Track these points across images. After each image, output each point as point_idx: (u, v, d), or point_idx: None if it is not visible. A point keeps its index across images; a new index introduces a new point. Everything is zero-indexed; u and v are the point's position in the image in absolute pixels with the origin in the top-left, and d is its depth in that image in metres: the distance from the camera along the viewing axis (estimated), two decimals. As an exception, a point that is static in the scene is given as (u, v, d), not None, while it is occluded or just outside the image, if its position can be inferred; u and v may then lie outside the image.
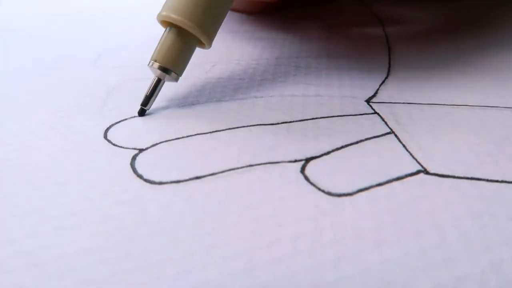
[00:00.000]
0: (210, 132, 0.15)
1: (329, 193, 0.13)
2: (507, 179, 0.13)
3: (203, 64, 0.20)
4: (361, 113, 0.17)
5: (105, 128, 0.16)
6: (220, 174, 0.13)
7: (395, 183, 0.13)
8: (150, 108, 0.17)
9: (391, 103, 0.17)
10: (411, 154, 0.14)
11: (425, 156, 0.14)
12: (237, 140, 0.15)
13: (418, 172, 0.14)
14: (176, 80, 0.17)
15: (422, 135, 0.15)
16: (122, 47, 0.23)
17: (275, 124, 0.16)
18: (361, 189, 0.13)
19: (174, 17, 0.15)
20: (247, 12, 0.28)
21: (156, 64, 0.16)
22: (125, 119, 0.16)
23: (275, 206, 0.12)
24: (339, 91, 0.18)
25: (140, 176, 0.13)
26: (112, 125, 0.16)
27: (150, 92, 0.16)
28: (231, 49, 0.22)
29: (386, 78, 0.19)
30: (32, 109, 0.17)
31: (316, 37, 0.24)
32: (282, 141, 0.15)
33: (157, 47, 0.16)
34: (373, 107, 0.17)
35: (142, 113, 0.16)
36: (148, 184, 0.13)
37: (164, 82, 0.16)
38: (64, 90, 0.18)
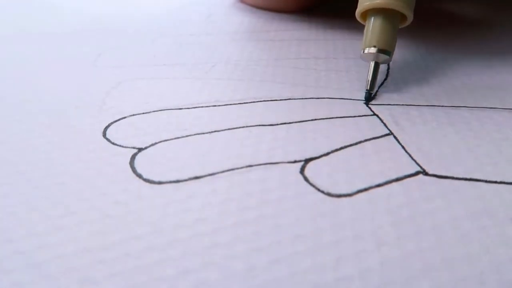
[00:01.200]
0: (210, 132, 0.15)
1: (329, 194, 0.13)
2: (506, 180, 0.13)
3: (202, 64, 0.20)
4: (360, 114, 0.17)
5: (104, 127, 0.16)
6: (220, 174, 0.13)
7: (394, 184, 0.13)
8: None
9: (390, 104, 0.17)
10: (410, 155, 0.14)
11: (424, 157, 0.14)
12: (236, 140, 0.15)
13: (417, 173, 0.14)
14: (389, 61, 0.18)
15: (421, 136, 0.15)
16: (121, 47, 0.23)
17: (275, 124, 0.16)
18: (360, 190, 0.13)
19: (381, 2, 0.17)
20: (282, 10, 0.28)
21: (374, 49, 0.17)
22: (124, 118, 0.16)
23: (275, 206, 0.12)
24: (338, 93, 0.18)
25: (139, 176, 0.13)
26: (111, 123, 0.16)
27: (372, 77, 0.18)
28: (230, 50, 0.22)
29: (385, 79, 0.19)
30: (31, 109, 0.17)
31: (315, 39, 0.24)
32: (282, 142, 0.15)
33: (367, 35, 0.18)
34: (372, 108, 0.17)
35: (369, 97, 0.17)
36: (147, 184, 0.13)
37: (380, 65, 0.18)
38: (63, 89, 0.18)
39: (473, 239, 0.11)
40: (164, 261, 0.11)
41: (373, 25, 0.18)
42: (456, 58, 0.21)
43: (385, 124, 0.16)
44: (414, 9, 0.18)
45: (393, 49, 0.18)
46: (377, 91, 0.18)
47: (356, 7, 0.18)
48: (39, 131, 0.16)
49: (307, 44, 0.23)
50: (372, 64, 0.18)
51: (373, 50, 0.17)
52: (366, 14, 0.18)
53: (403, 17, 0.18)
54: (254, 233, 0.11)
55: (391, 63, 0.21)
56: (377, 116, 0.17)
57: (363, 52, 0.18)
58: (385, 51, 0.17)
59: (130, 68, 0.20)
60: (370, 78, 0.18)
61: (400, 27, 0.18)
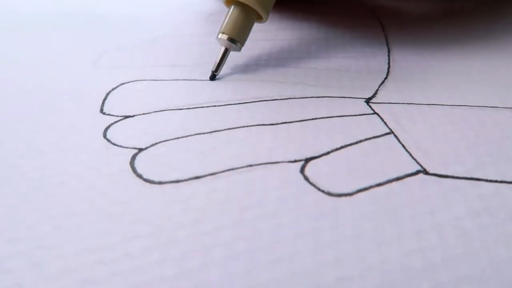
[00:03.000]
0: (210, 132, 0.15)
1: (329, 193, 0.13)
2: (507, 179, 0.13)
3: (202, 65, 0.20)
4: (361, 113, 0.17)
5: (105, 128, 0.16)
6: (220, 174, 0.13)
7: (394, 183, 0.13)
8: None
9: (390, 103, 0.17)
10: (410, 154, 0.14)
11: (425, 156, 0.14)
12: (237, 140, 0.15)
13: (417, 172, 0.14)
14: (239, 49, 0.19)
15: (422, 135, 0.15)
16: (122, 48, 0.23)
17: (275, 124, 0.16)
18: (360, 189, 0.13)
19: None
20: None
21: (225, 36, 0.19)
22: (124, 118, 0.16)
23: (275, 206, 0.12)
24: (339, 92, 0.18)
25: (139, 176, 0.13)
26: (112, 124, 0.16)
27: (220, 60, 0.19)
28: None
29: (385, 78, 0.19)
30: (32, 109, 0.17)
31: (315, 38, 0.24)
32: (282, 142, 0.15)
33: (223, 21, 0.19)
34: (373, 107, 0.17)
35: (213, 77, 0.19)
36: (147, 184, 0.13)
37: (230, 51, 0.19)
38: (64, 90, 0.18)
39: (474, 238, 0.11)
40: (164, 261, 0.11)
41: (230, 14, 0.19)
42: (456, 56, 0.21)
43: (385, 123, 0.16)
44: (270, 11, 0.19)
45: (243, 40, 0.19)
46: (377, 90, 0.18)
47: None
48: (39, 131, 0.16)
49: (307, 43, 0.23)
50: (222, 49, 0.19)
51: (224, 37, 0.19)
52: (229, 2, 0.19)
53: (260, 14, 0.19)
54: (254, 233, 0.11)
55: (391, 62, 0.21)
56: (378, 115, 0.17)
57: (217, 36, 0.19)
58: (234, 40, 0.19)
59: (131, 69, 0.20)
60: (217, 60, 0.19)
61: (258, 23, 0.20)
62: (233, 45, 0.19)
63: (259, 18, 0.20)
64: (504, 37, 0.24)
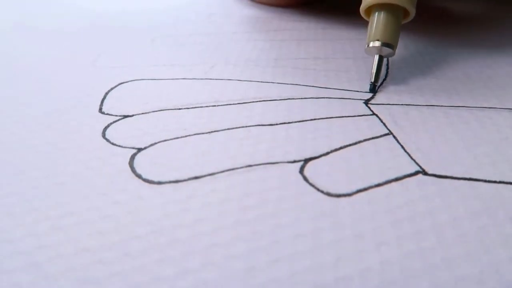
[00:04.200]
0: (209, 132, 0.15)
1: (328, 194, 0.13)
2: (505, 180, 0.13)
3: (202, 65, 0.20)
4: (360, 114, 0.17)
5: (104, 127, 0.16)
6: (219, 174, 0.13)
7: (393, 184, 0.13)
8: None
9: (389, 104, 0.17)
10: (409, 155, 0.14)
11: (424, 157, 0.14)
12: (236, 140, 0.15)
13: (416, 173, 0.14)
14: (394, 54, 0.18)
15: (421, 136, 0.15)
16: (121, 47, 0.23)
17: (274, 124, 0.16)
18: (360, 189, 0.13)
19: None
20: (280, 4, 0.29)
21: (378, 42, 0.18)
22: (123, 118, 0.16)
23: (274, 206, 0.12)
24: (338, 93, 0.18)
25: (139, 176, 0.13)
26: (111, 124, 0.16)
27: (377, 69, 0.18)
28: (229, 50, 0.22)
29: (384, 79, 0.19)
30: (30, 109, 0.17)
31: (314, 39, 0.24)
32: (281, 142, 0.15)
33: (371, 29, 0.18)
34: (372, 108, 0.17)
35: (373, 89, 0.18)
36: (147, 184, 0.13)
37: (384, 58, 0.18)
38: (62, 89, 0.18)
39: (473, 238, 0.11)
40: (164, 261, 0.11)
41: (377, 20, 0.18)
42: (455, 58, 0.21)
43: (384, 124, 0.16)
44: (416, 5, 0.19)
45: (396, 43, 0.18)
46: (376, 90, 0.18)
47: (355, 3, 0.19)
48: (38, 131, 0.16)
49: (306, 44, 0.23)
50: (376, 57, 0.18)
51: (377, 44, 0.18)
52: (370, 10, 0.19)
53: (405, 12, 0.19)
54: (254, 233, 0.11)
55: (390, 63, 0.21)
56: (377, 116, 0.17)
57: (368, 46, 0.18)
58: (388, 44, 0.18)
59: (130, 68, 0.20)
60: (374, 70, 0.18)
61: (403, 22, 0.19)
62: (387, 50, 0.18)
63: (405, 16, 0.19)
64: (502, 37, 0.24)
